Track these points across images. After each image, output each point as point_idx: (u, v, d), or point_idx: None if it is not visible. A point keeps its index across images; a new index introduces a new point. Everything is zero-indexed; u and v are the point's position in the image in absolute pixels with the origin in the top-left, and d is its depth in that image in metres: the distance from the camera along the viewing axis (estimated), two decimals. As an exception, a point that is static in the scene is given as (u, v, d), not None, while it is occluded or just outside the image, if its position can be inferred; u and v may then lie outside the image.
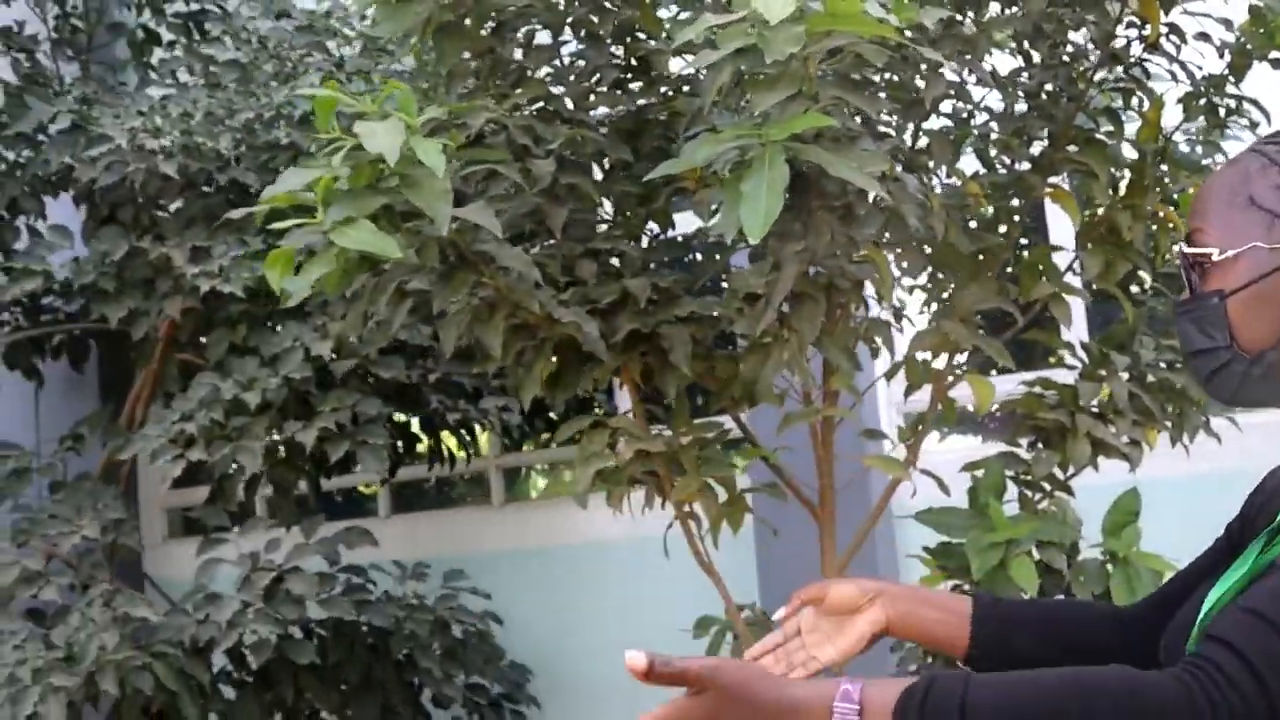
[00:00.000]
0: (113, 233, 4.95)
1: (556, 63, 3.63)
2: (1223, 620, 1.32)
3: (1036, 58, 3.84)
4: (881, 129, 3.32)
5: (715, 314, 3.61)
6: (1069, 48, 3.81)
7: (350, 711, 4.73)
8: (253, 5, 5.57)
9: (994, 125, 3.82)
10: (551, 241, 3.61)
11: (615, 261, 3.69)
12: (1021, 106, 3.85)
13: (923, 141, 3.63)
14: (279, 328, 4.80)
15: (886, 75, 3.28)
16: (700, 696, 1.30)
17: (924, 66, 3.21)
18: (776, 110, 2.83)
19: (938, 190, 3.65)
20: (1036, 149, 3.83)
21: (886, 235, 3.35)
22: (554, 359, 3.64)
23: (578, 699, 6.01)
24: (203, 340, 5.05)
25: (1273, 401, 1.53)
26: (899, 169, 3.28)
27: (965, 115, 3.78)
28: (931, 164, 3.63)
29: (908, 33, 2.77)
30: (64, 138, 5.11)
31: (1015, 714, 1.26)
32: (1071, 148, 3.83)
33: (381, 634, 4.85)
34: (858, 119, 3.13)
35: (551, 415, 6.19)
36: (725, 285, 3.71)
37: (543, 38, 3.63)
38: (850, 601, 1.66)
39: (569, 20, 3.54)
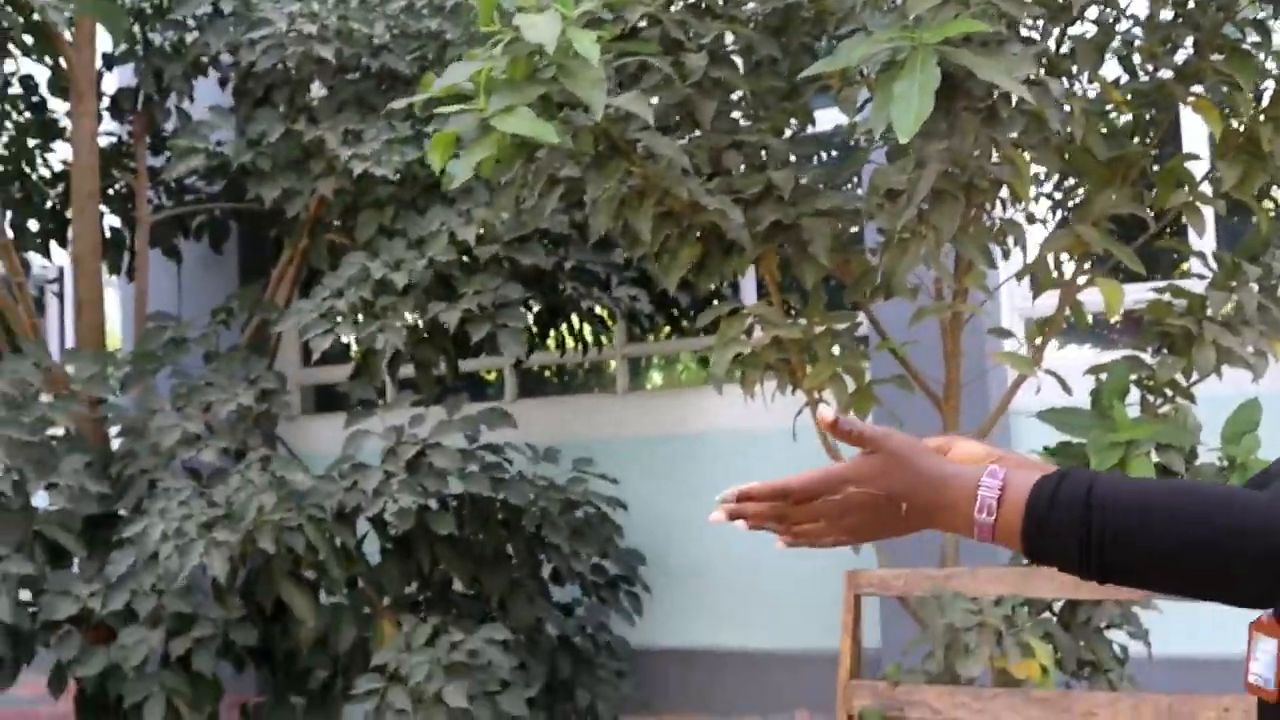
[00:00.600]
0: (268, 115, 5.23)
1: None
2: None
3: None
4: (1027, 33, 3.42)
5: (855, 209, 3.79)
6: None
7: (481, 581, 5.05)
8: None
9: (1139, 32, 3.90)
10: (698, 133, 3.80)
11: (761, 154, 3.88)
12: (1168, 14, 3.91)
13: (1067, 47, 3.74)
14: (426, 212, 5.06)
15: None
16: (872, 456, 1.45)
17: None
18: (929, 14, 2.98)
19: (1080, 95, 3.77)
20: (1180, 57, 3.90)
21: (1025, 137, 3.48)
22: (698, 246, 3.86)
23: (687, 585, 6.29)
24: (349, 222, 5.33)
25: None
26: (1043, 73, 3.41)
27: (1111, 21, 3.87)
28: (1075, 69, 3.74)
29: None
30: (223, 21, 5.38)
31: (1144, 510, 1.35)
32: (1216, 57, 3.89)
33: (514, 511, 5.14)
34: (1004, 23, 3.25)
35: (674, 310, 6.38)
36: (864, 181, 3.88)
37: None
38: (973, 457, 1.84)
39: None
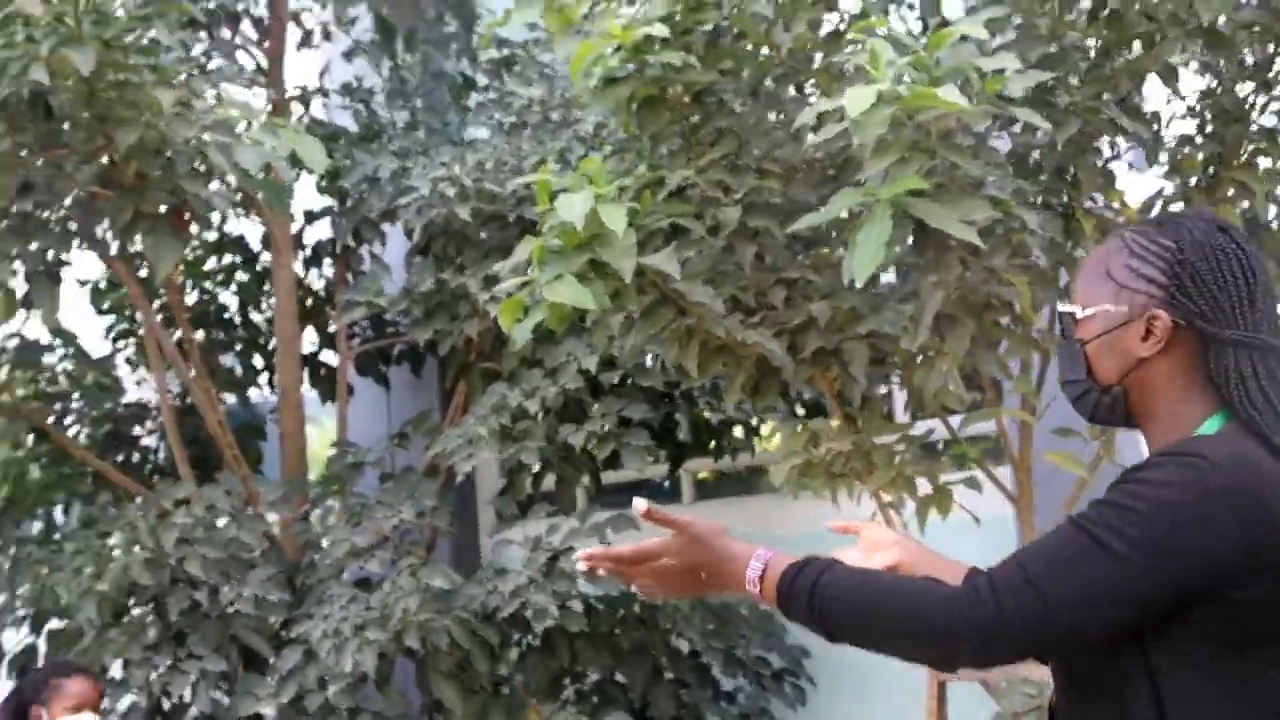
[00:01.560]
0: (423, 265, 6.11)
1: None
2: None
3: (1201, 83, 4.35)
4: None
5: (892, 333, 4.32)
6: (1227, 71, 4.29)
7: (620, 674, 5.71)
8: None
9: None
10: (745, 273, 4.41)
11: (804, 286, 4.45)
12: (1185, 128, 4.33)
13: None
14: (561, 344, 5.80)
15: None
16: (679, 537, 2.03)
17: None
18: (892, 170, 3.55)
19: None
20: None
21: (1014, 260, 3.94)
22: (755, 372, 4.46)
23: (848, 682, 6.75)
24: (496, 355, 6.14)
25: (1117, 422, 2.14)
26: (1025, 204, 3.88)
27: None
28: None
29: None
30: (388, 184, 6.33)
31: (844, 599, 1.90)
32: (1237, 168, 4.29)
33: (650, 609, 5.77)
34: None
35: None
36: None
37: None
38: (879, 541, 2.35)
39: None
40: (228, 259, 7.90)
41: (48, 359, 7.21)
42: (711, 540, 2.07)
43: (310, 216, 7.39)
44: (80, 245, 5.52)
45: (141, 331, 7.32)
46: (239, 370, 7.94)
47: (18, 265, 5.04)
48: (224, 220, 7.49)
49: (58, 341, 7.19)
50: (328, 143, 7.29)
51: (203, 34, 6.72)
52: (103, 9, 4.39)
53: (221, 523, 5.75)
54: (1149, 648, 1.86)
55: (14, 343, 6.84)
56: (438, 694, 5.39)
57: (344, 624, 5.10)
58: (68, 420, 7.37)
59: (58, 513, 7.56)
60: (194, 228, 6.35)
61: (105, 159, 4.98)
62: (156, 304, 7.21)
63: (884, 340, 4.38)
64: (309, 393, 7.51)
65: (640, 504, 2.08)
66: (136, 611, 5.61)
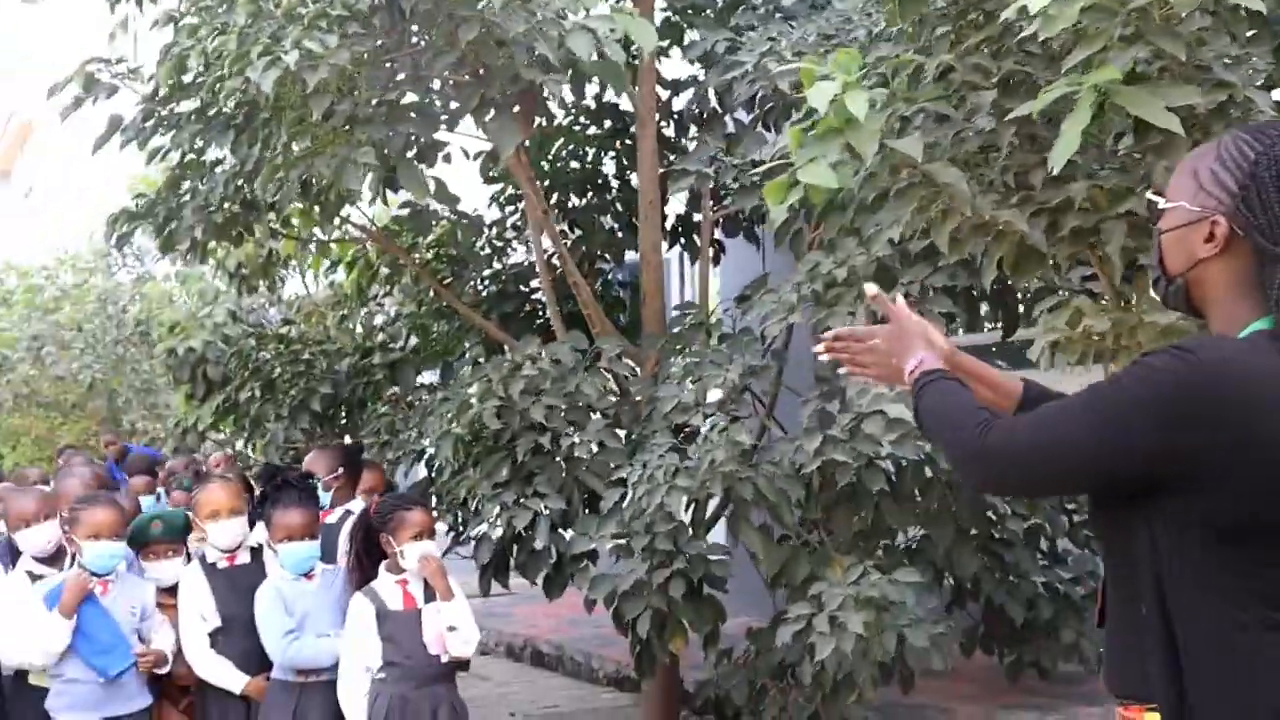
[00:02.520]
0: (752, 135, 6.61)
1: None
2: None
3: None
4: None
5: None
6: None
7: (927, 531, 6.16)
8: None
9: None
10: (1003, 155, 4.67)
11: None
12: None
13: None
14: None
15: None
16: (890, 325, 2.56)
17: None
18: (1099, 59, 3.76)
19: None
20: None
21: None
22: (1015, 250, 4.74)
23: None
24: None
25: (1181, 309, 2.37)
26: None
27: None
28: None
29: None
30: (726, 56, 6.86)
31: (928, 406, 2.38)
32: None
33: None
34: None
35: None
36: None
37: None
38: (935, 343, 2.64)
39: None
40: (608, 125, 8.67)
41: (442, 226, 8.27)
42: (909, 336, 2.54)
43: (676, 86, 8.02)
44: (446, 128, 6.38)
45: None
46: (619, 232, 8.75)
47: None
48: (603, 89, 8.22)
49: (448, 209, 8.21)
50: (692, 15, 7.94)
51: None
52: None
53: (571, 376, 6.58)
54: (1155, 536, 2.15)
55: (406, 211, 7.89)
56: (745, 542, 6.04)
57: (659, 472, 5.81)
58: (462, 281, 8.47)
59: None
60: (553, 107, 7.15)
61: (455, 53, 5.76)
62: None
63: (1146, 221, 4.54)
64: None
65: (871, 288, 2.65)
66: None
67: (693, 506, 6.09)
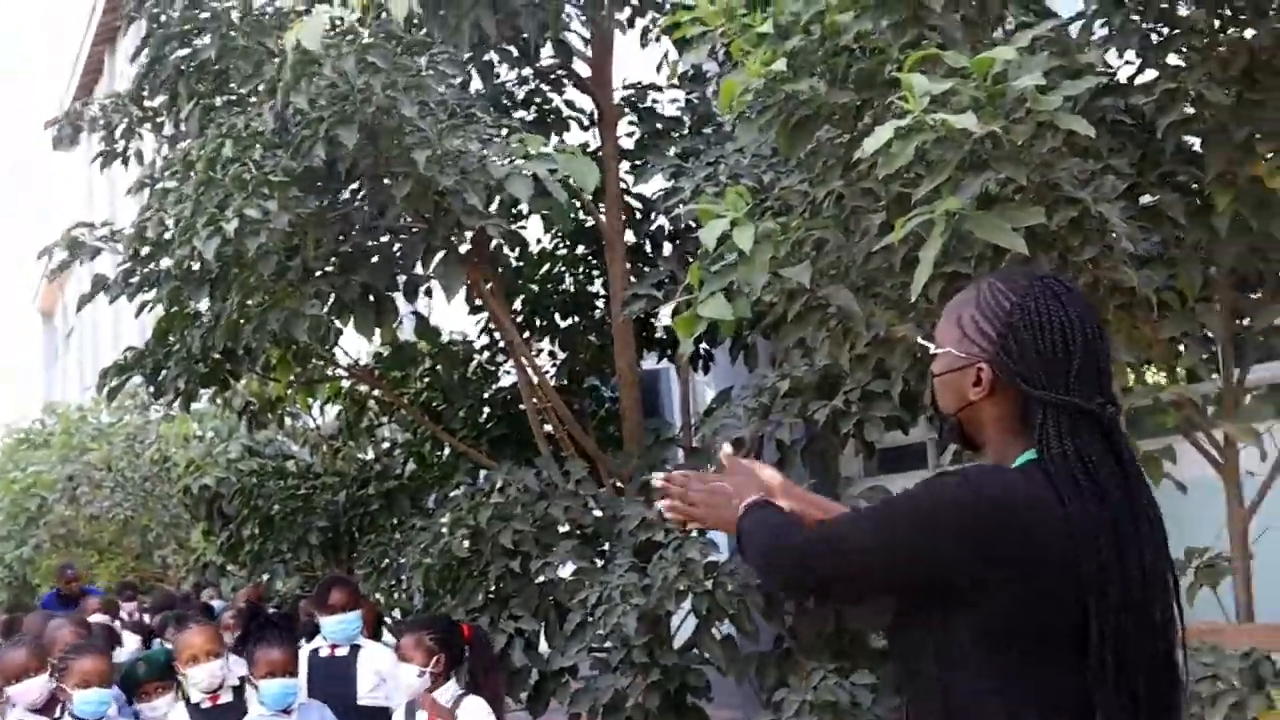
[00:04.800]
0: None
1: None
2: None
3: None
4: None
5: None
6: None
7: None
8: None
9: None
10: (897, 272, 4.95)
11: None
12: None
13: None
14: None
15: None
16: (730, 475, 2.67)
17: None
18: (947, 189, 4.06)
19: None
20: None
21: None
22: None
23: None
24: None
25: (958, 444, 2.55)
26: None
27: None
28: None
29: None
30: (668, 180, 7.22)
31: (749, 524, 2.49)
32: None
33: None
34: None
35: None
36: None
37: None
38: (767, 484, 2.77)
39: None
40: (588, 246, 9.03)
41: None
42: (746, 484, 2.65)
43: (648, 205, 8.38)
44: (397, 275, 6.78)
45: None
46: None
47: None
48: (577, 217, 8.60)
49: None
50: (656, 138, 8.32)
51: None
52: (366, 93, 5.53)
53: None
54: (938, 650, 2.32)
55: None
56: (708, 653, 6.27)
57: (615, 591, 6.08)
58: (454, 408, 8.80)
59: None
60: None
61: (395, 209, 6.16)
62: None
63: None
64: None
65: (725, 449, 2.80)
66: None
67: (671, 618, 6.33)
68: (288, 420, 10.16)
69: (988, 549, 2.25)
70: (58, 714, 5.60)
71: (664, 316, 8.48)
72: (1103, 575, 2.24)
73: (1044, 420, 2.33)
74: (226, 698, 5.76)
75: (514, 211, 6.88)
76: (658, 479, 2.84)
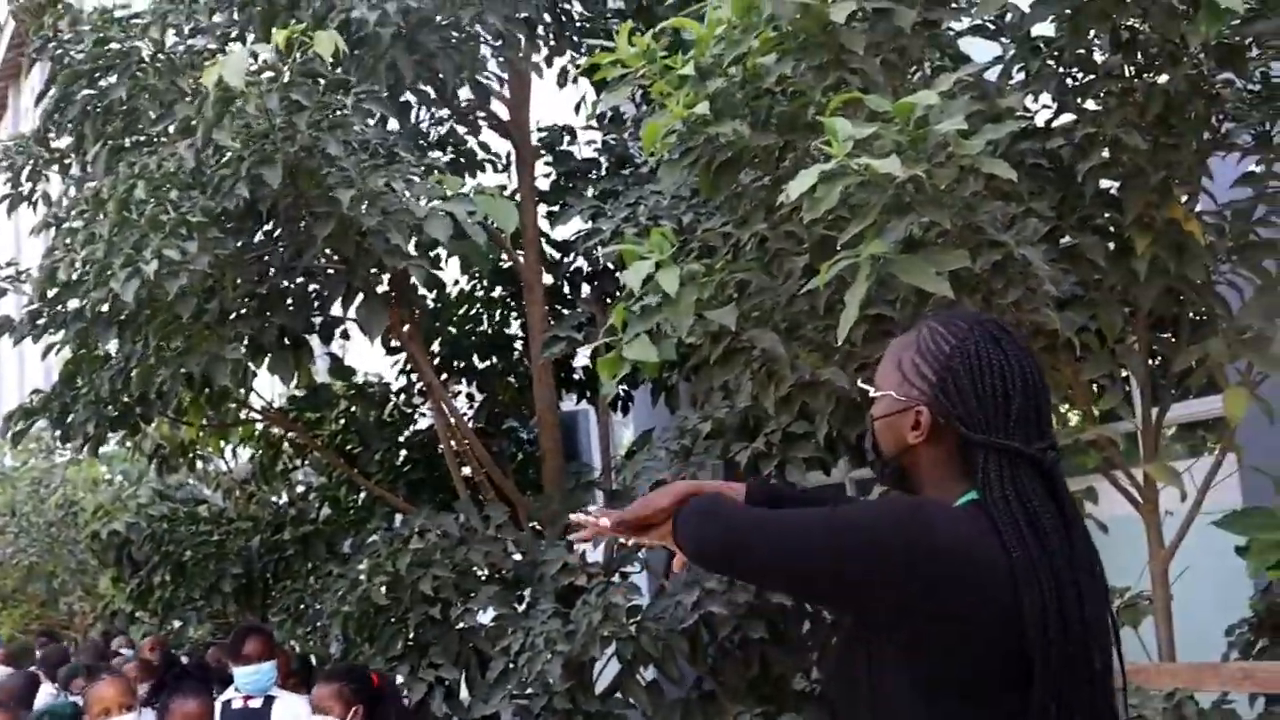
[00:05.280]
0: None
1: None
2: None
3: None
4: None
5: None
6: None
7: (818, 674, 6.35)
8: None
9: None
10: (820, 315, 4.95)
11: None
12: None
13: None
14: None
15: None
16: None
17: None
18: (870, 232, 4.05)
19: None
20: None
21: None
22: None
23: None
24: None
25: (897, 487, 2.53)
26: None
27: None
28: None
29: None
30: (587, 220, 7.19)
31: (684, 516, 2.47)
32: None
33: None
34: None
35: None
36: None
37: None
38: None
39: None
40: (506, 289, 8.99)
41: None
42: (656, 497, 2.60)
43: (566, 247, 8.35)
44: (315, 315, 6.68)
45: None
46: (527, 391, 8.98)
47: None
48: (495, 259, 8.55)
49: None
50: (576, 178, 8.30)
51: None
52: (288, 131, 5.44)
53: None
54: (873, 688, 2.27)
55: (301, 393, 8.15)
56: (633, 698, 6.20)
57: (539, 639, 6.00)
58: (370, 451, 8.70)
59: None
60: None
61: (315, 249, 6.07)
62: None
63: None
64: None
65: (575, 518, 2.71)
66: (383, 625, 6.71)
67: (594, 663, 6.26)
68: (199, 464, 9.99)
69: (932, 596, 2.19)
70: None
71: (583, 358, 8.46)
72: (1044, 621, 2.20)
73: (985, 464, 2.30)
74: (142, 752, 5.62)
75: (432, 254, 6.81)
76: (576, 516, 2.80)
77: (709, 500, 2.56)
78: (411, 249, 5.97)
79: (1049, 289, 4.23)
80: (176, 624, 8.77)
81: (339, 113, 5.75)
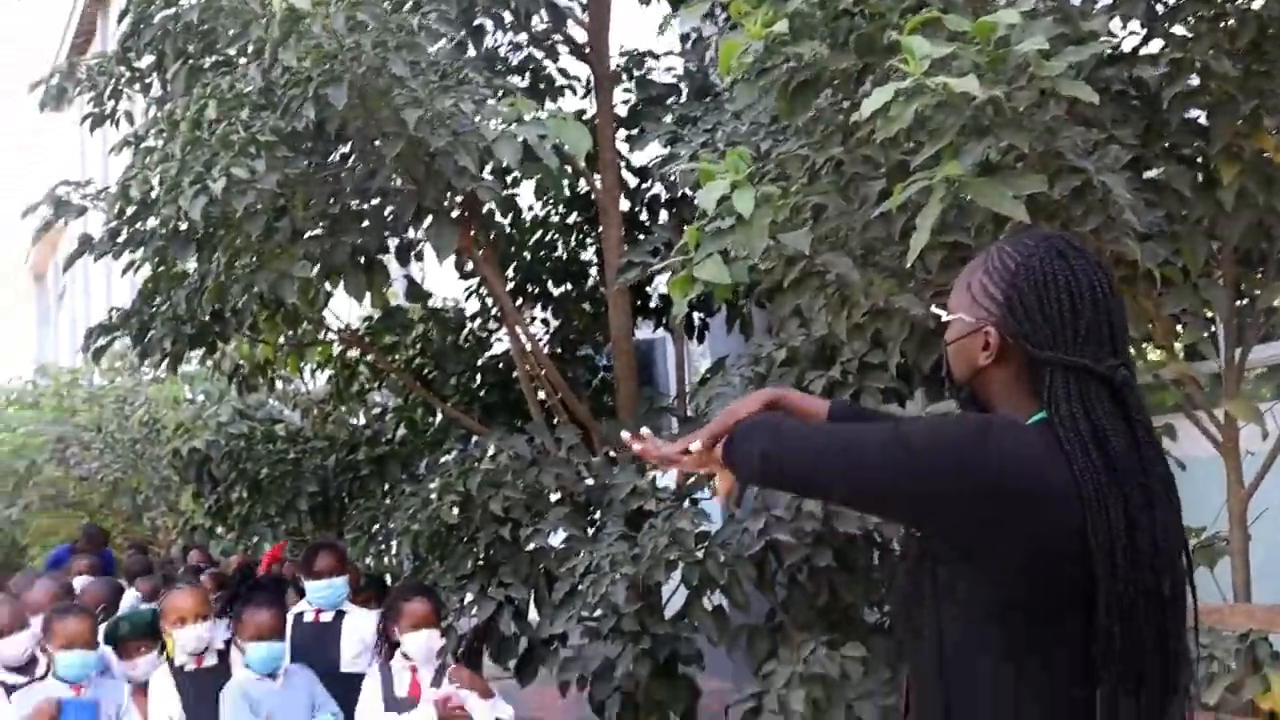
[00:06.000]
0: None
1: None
2: None
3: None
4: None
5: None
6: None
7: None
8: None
9: None
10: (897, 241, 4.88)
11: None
12: None
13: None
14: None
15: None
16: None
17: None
18: (946, 154, 3.98)
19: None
20: None
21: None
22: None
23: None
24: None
25: (972, 411, 2.50)
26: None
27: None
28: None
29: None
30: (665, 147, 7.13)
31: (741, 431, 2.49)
32: None
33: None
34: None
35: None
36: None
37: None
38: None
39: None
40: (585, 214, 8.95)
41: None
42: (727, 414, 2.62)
43: (644, 173, 8.29)
44: (389, 237, 6.70)
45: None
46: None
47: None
48: (570, 183, 8.52)
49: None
50: (653, 104, 8.23)
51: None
52: (355, 52, 5.44)
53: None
54: (939, 616, 2.26)
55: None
56: (699, 623, 6.22)
57: (604, 560, 6.03)
58: (445, 374, 8.75)
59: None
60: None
61: (387, 169, 6.08)
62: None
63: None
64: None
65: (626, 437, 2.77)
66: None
67: (662, 587, 6.28)
68: (278, 384, 10.11)
69: (999, 516, 2.18)
70: (40, 674, 5.58)
71: (659, 285, 8.43)
72: (1111, 543, 2.17)
73: (1052, 381, 2.27)
74: (211, 661, 5.73)
75: (509, 178, 6.80)
76: (628, 435, 2.76)
77: (764, 417, 2.54)
78: (486, 173, 5.96)
79: (1129, 218, 4.13)
80: (255, 539, 8.90)
81: (406, 33, 5.71)
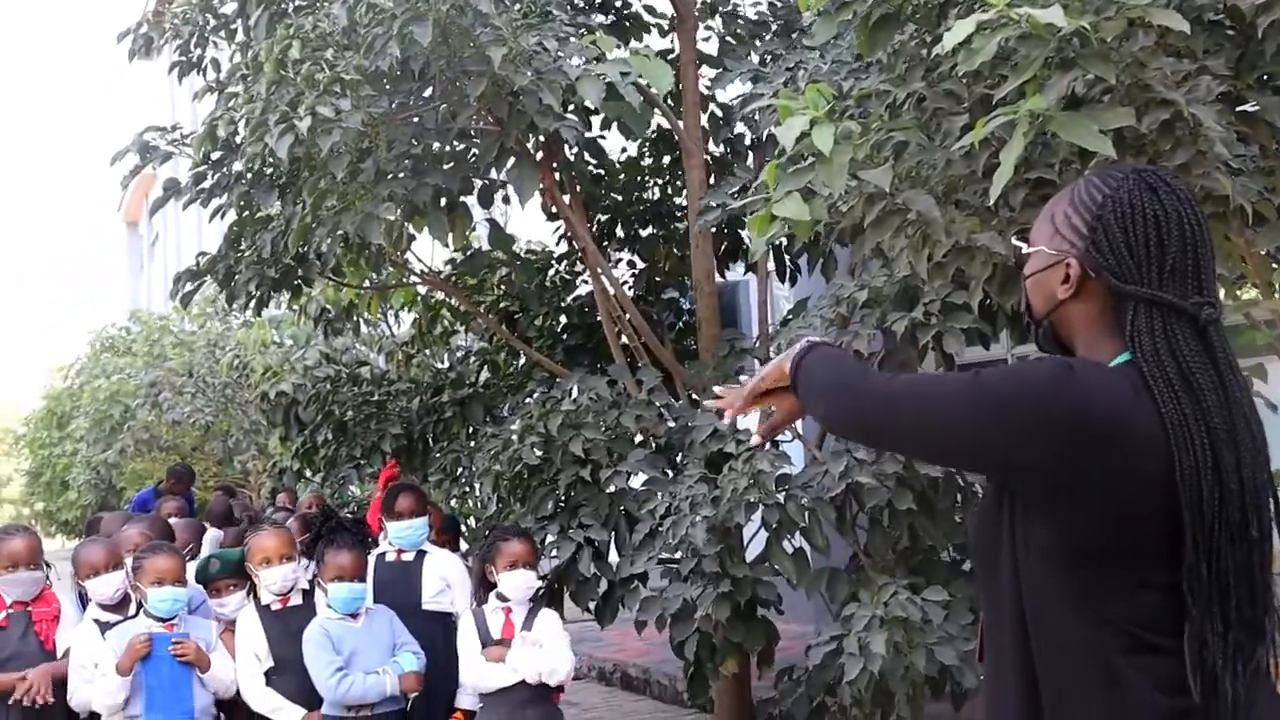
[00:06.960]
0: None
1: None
2: None
3: None
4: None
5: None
6: None
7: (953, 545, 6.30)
8: None
9: None
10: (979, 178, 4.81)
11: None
12: None
13: None
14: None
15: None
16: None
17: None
18: (1030, 88, 3.92)
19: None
20: None
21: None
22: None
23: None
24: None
25: (1051, 349, 2.41)
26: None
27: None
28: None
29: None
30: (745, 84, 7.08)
31: (813, 361, 2.45)
32: None
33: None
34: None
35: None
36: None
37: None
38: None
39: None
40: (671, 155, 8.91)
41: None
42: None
43: (729, 113, 8.24)
44: (471, 179, 6.73)
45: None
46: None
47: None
48: (652, 121, 8.47)
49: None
50: (735, 43, 8.17)
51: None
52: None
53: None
54: (1017, 560, 2.24)
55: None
56: (779, 566, 6.23)
57: (685, 503, 6.05)
58: (529, 316, 8.81)
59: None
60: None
61: (470, 109, 6.09)
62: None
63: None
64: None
65: (712, 403, 2.81)
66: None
67: (742, 530, 6.29)
68: (363, 327, 10.23)
69: (1081, 460, 2.15)
70: (132, 612, 5.71)
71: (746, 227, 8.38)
72: (1199, 481, 2.13)
73: (1135, 317, 2.23)
74: (296, 600, 5.83)
75: (595, 119, 6.78)
76: (719, 390, 2.77)
77: (833, 350, 2.49)
78: (570, 113, 5.96)
79: (1221, 152, 4.03)
80: (342, 478, 9.05)
81: (492, -32, 5.71)
